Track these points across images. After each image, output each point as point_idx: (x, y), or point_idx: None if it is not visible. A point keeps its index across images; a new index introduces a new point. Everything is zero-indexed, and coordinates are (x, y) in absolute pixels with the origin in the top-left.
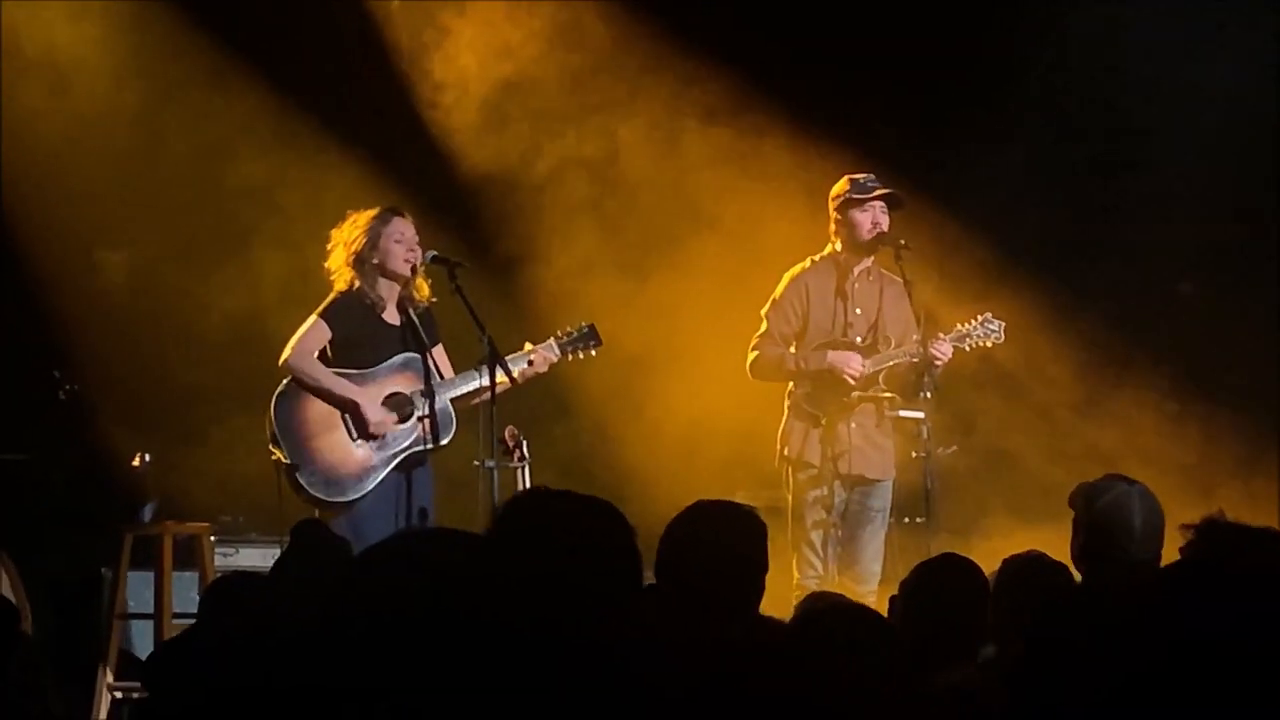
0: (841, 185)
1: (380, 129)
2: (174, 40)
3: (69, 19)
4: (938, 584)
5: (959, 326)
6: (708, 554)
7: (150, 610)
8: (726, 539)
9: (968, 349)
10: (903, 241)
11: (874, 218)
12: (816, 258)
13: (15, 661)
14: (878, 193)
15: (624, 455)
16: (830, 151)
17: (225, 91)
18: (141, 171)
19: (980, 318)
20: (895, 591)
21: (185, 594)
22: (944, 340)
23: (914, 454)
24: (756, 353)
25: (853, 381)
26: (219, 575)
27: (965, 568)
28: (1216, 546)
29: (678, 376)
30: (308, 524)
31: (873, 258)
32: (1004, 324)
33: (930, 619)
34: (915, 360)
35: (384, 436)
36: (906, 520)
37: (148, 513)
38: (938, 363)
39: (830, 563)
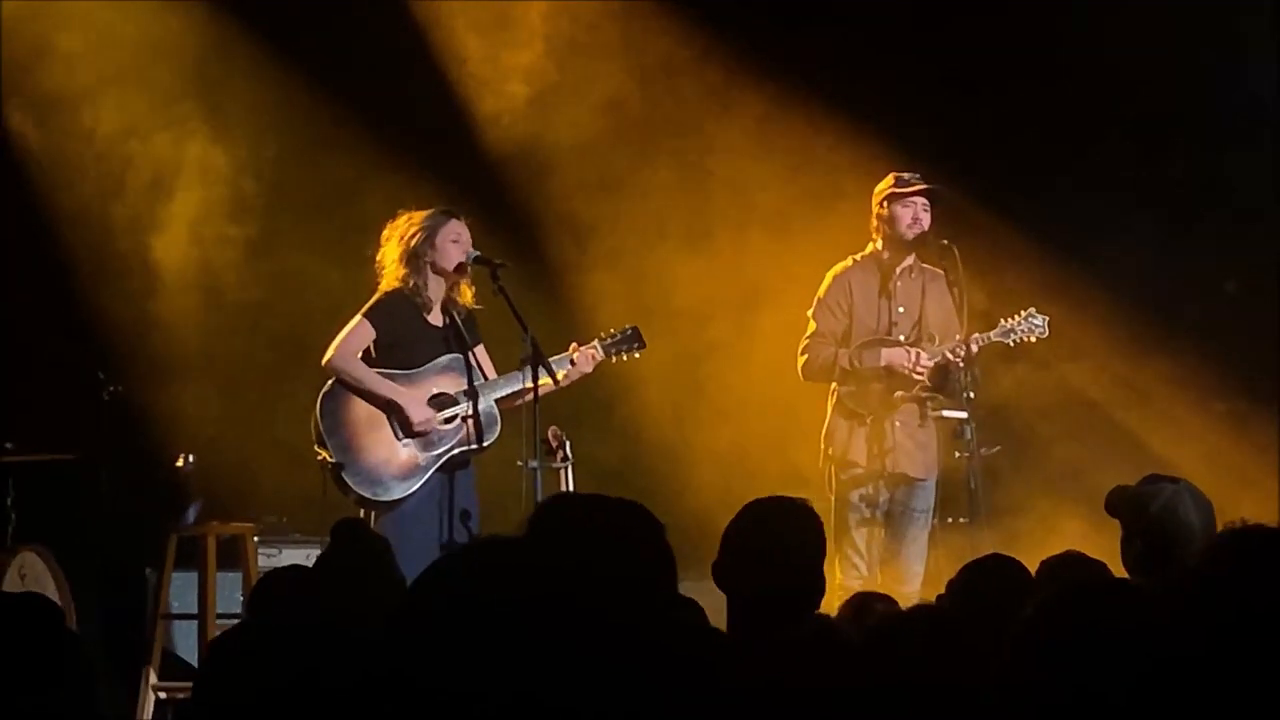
0: (885, 183)
1: (425, 127)
2: (219, 34)
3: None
4: (985, 584)
5: (1003, 322)
6: (768, 554)
7: (194, 611)
8: (785, 537)
9: (1011, 344)
10: (945, 241)
11: (915, 213)
12: (858, 256)
13: (67, 661)
14: (919, 187)
15: (667, 457)
16: (877, 147)
17: (271, 92)
18: (186, 174)
19: (1024, 312)
20: (939, 591)
21: (229, 594)
22: (982, 339)
23: (957, 454)
24: (807, 355)
25: (918, 377)
26: (267, 571)
27: (1013, 568)
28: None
29: (722, 379)
30: (347, 522)
31: (914, 255)
32: (1048, 318)
33: (978, 619)
34: (960, 360)
35: (429, 436)
36: (950, 520)
37: (192, 513)
38: (975, 352)
39: (873, 563)
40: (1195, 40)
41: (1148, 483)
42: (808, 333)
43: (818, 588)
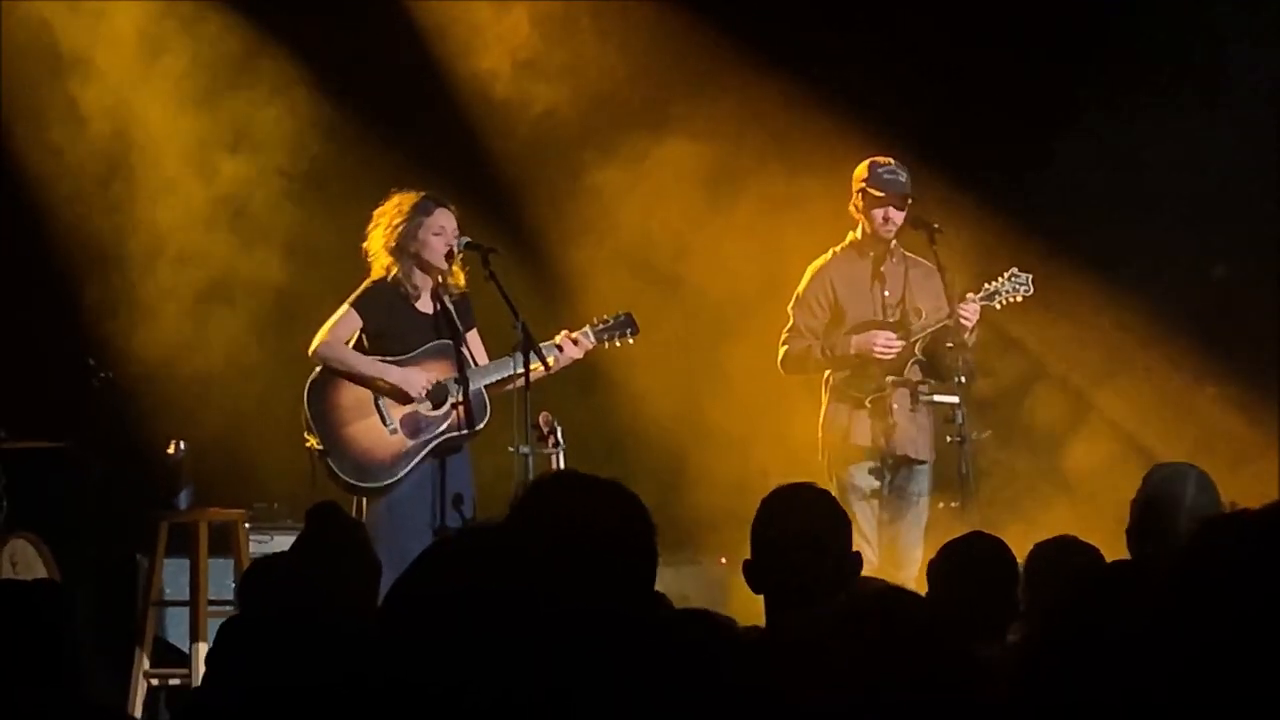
0: (862, 170)
1: (416, 110)
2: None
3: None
4: (965, 562)
5: (986, 285)
6: (803, 546)
7: (185, 597)
8: (815, 525)
9: (998, 306)
10: (936, 225)
11: (886, 213)
12: (837, 249)
13: (67, 645)
14: (891, 194)
15: (663, 439)
16: (867, 127)
17: (258, 71)
18: (178, 159)
19: (1007, 273)
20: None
21: (220, 581)
22: (972, 300)
23: (948, 439)
24: (785, 347)
25: (885, 357)
26: (257, 557)
27: (993, 545)
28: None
29: (723, 360)
30: (322, 506)
31: (894, 240)
32: (1031, 275)
33: (958, 596)
34: (949, 335)
35: (418, 423)
36: (941, 505)
37: (183, 500)
38: (965, 321)
39: (879, 546)
40: (1194, 22)
41: (1164, 463)
42: (786, 327)
43: (855, 569)
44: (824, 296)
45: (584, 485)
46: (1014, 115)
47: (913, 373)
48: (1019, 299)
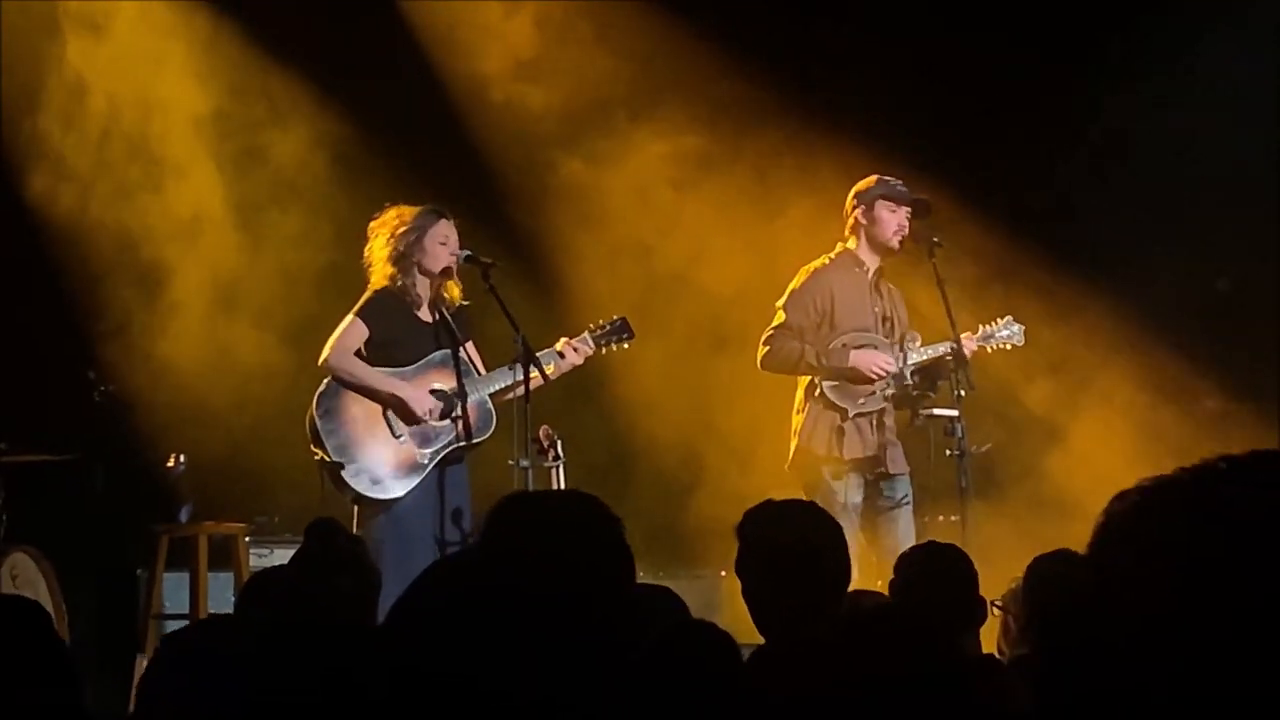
0: (869, 184)
1: (412, 122)
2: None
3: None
4: (924, 571)
5: (983, 327)
6: (776, 553)
7: (186, 610)
8: (810, 539)
9: (989, 350)
10: (936, 239)
11: (900, 220)
12: (832, 255)
13: (54, 662)
14: (912, 197)
15: (665, 451)
16: (869, 130)
17: (263, 84)
18: (180, 172)
19: (1002, 320)
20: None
21: (220, 594)
22: (969, 340)
23: (948, 452)
24: (769, 346)
25: (881, 377)
26: (257, 571)
27: (948, 552)
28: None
29: (716, 376)
30: (321, 523)
31: (881, 259)
32: (1023, 327)
33: (924, 604)
34: (949, 357)
35: (426, 433)
36: (941, 519)
37: (184, 514)
38: (967, 349)
39: (858, 559)
40: (1193, 25)
41: None
42: (775, 323)
43: (847, 580)
44: (820, 299)
45: (543, 500)
46: (1013, 119)
47: (905, 387)
48: (1009, 347)
